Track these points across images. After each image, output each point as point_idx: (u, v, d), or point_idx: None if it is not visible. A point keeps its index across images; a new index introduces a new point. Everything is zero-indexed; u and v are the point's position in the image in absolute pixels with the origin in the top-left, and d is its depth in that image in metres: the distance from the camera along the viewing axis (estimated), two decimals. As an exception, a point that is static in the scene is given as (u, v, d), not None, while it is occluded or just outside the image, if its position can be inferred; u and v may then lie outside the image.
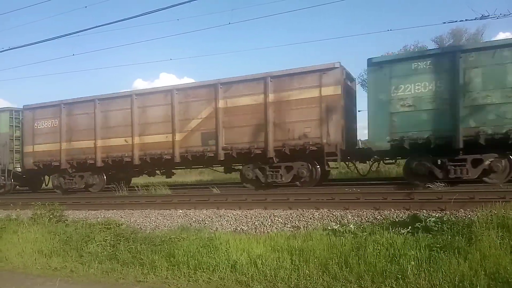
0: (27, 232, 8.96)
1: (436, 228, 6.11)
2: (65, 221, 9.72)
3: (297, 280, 5.43)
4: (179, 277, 6.12)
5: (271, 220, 8.15)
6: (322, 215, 7.96)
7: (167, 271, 6.33)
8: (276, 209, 8.71)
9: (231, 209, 9.18)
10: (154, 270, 6.41)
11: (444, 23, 12.33)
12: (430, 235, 5.94)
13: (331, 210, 8.16)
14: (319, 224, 7.57)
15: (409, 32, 74.95)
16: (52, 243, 8.21)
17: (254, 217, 8.42)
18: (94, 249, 7.53)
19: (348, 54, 69.91)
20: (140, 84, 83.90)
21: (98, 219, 9.50)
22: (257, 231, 7.88)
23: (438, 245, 5.48)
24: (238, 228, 8.13)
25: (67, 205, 11.04)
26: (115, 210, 10.64)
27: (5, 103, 78.95)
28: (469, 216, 6.73)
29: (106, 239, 7.76)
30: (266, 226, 7.97)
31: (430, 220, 6.31)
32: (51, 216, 9.77)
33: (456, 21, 12.44)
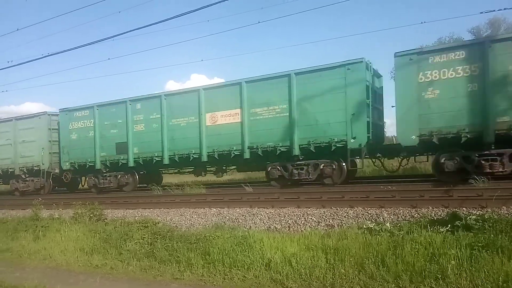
0: (69, 230, 9.36)
1: (477, 226, 5.89)
2: (105, 220, 10.07)
3: (333, 279, 5.39)
4: (214, 275, 6.21)
5: (305, 218, 8.12)
6: (356, 214, 7.84)
7: (202, 268, 6.45)
8: (309, 208, 8.66)
9: (264, 208, 9.21)
10: (190, 268, 6.55)
11: (481, 13, 11.86)
12: (471, 234, 5.74)
13: (366, 208, 8.03)
14: (353, 222, 7.46)
15: (444, 24, 72.34)
16: (92, 241, 8.52)
17: (287, 216, 8.40)
18: (133, 247, 7.76)
19: (380, 49, 68.43)
20: (172, 86, 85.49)
21: (136, 218, 9.77)
22: (291, 229, 7.86)
23: (479, 244, 5.29)
24: (272, 227, 8.14)
25: (105, 204, 11.43)
26: (151, 209, 10.90)
27: (45, 108, 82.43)
28: (512, 213, 6.45)
29: (143, 237, 7.98)
30: (300, 225, 7.94)
31: (470, 218, 6.10)
32: (91, 215, 10.13)
33: (494, 11, 11.96)
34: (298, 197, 9.52)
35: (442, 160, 10.02)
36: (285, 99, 12.09)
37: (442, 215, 6.90)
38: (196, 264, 6.57)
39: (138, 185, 15.83)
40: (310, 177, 11.71)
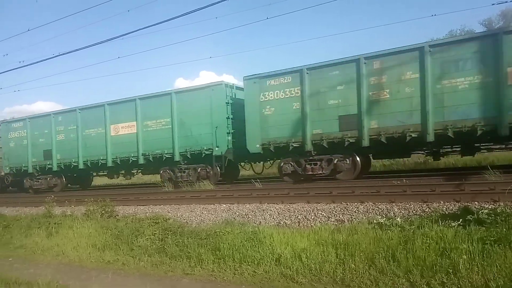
0: (81, 227, 9.49)
1: (489, 221, 5.81)
2: (116, 216, 10.17)
3: (343, 274, 5.38)
4: (225, 270, 6.24)
5: (314, 214, 8.10)
6: (367, 209, 7.80)
7: (213, 264, 6.48)
8: (319, 203, 8.65)
9: (274, 203, 9.22)
10: (200, 263, 6.59)
11: (493, 4, 11.59)
12: (483, 228, 5.67)
13: (376, 203, 7.98)
14: (364, 217, 7.43)
15: (456, 16, 71.24)
16: (104, 238, 8.62)
17: (297, 211, 8.40)
18: (144, 243, 7.83)
19: (390, 45, 67.65)
20: (181, 83, 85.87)
21: (147, 214, 9.86)
22: (301, 225, 7.86)
23: (492, 238, 5.22)
24: (281, 222, 8.15)
25: (116, 201, 11.55)
26: (162, 205, 10.98)
27: (58, 106, 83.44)
28: (526, 207, 6.34)
29: (154, 233, 8.05)
30: (310, 220, 7.93)
31: (482, 212, 6.02)
32: (102, 212, 10.25)
33: (506, 2, 11.75)
34: (308, 193, 9.50)
35: (281, 164, 12.60)
36: (168, 114, 14.57)
37: (453, 210, 6.83)
38: (206, 260, 6.61)
39: (67, 186, 18.96)
40: (190, 178, 14.09)
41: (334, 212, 7.99)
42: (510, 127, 9.36)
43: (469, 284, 4.52)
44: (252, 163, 15.34)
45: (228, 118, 13.79)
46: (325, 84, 11.72)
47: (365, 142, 11.11)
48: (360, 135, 11.20)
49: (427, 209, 7.19)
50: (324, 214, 8.01)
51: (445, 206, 7.12)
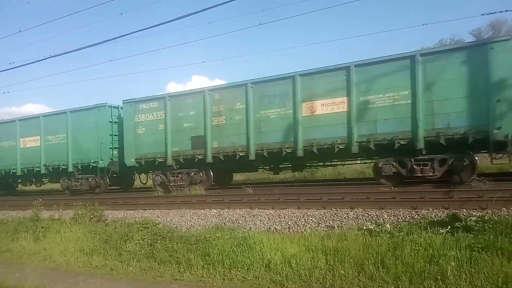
0: (69, 231, 9.37)
1: (477, 228, 5.88)
2: (105, 221, 10.07)
3: (332, 280, 5.39)
4: (214, 276, 6.20)
5: (305, 219, 8.11)
6: (357, 215, 7.84)
7: (202, 269, 6.44)
8: (309, 209, 8.66)
9: (264, 209, 9.21)
10: (190, 269, 6.54)
11: (483, 14, 11.85)
12: (471, 235, 5.73)
13: (366, 209, 8.02)
14: (353, 223, 7.45)
15: (445, 26, 72.23)
16: (93, 242, 8.53)
17: (287, 217, 8.40)
18: (133, 248, 7.76)
19: (379, 53, 68.40)
20: (173, 87, 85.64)
21: (136, 219, 9.76)
22: (291, 230, 7.86)
23: (479, 245, 5.27)
24: (272, 228, 8.14)
25: (106, 205, 11.45)
26: (152, 210, 10.91)
27: (47, 109, 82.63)
28: (513, 215, 6.43)
29: (144, 238, 7.98)
30: (300, 226, 7.94)
31: (470, 220, 6.09)
32: (91, 216, 10.14)
33: (495, 12, 12.01)
34: (298, 198, 9.52)
35: (153, 176, 14.86)
36: (64, 130, 16.85)
37: (442, 217, 6.89)
38: (196, 265, 6.56)
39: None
40: (83, 187, 16.36)
41: (324, 218, 8.00)
42: (304, 150, 12.04)
43: (457, 291, 4.56)
44: (139, 175, 17.51)
45: (111, 135, 16.17)
46: (181, 110, 14.23)
47: (209, 159, 13.60)
48: (205, 153, 13.60)
49: (416, 216, 7.25)
50: (314, 220, 8.02)
51: (433, 213, 7.19)
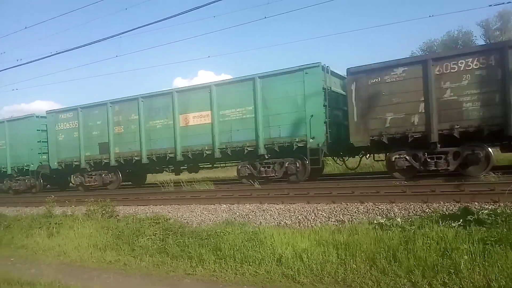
0: (82, 227, 9.49)
1: (489, 221, 5.85)
2: (117, 217, 10.18)
3: (344, 274, 5.41)
4: (226, 270, 6.26)
5: (315, 214, 8.13)
6: (367, 209, 7.83)
7: (214, 264, 6.50)
8: (319, 203, 8.67)
9: (274, 204, 9.23)
10: (202, 263, 6.61)
11: (491, 5, 11.68)
12: (484, 228, 5.70)
13: (377, 203, 8.00)
14: (364, 218, 7.45)
15: (453, 17, 71.31)
16: (105, 238, 8.63)
17: (297, 211, 8.42)
18: (145, 243, 7.84)
19: (386, 45, 67.78)
20: (179, 82, 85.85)
21: (147, 214, 9.86)
22: (301, 225, 7.88)
23: (492, 239, 5.25)
24: (282, 222, 8.17)
25: (117, 201, 11.57)
26: (162, 205, 10.99)
27: (56, 105, 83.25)
28: (525, 208, 6.37)
29: (155, 234, 8.06)
30: (310, 220, 7.96)
31: (482, 213, 6.06)
32: (103, 212, 10.25)
33: (503, 3, 11.81)
34: (308, 193, 9.53)
35: (73, 177, 17.30)
36: (3, 137, 18.52)
37: (453, 210, 6.86)
38: (207, 260, 6.63)
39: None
40: (21, 188, 18.34)
41: (334, 212, 8.01)
42: (182, 154, 14.12)
43: (471, 285, 4.55)
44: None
45: (39, 141, 17.97)
46: (91, 120, 16.30)
47: (112, 163, 15.61)
48: (110, 157, 15.58)
49: (427, 209, 7.22)
50: (325, 214, 8.03)
51: (445, 207, 7.15)
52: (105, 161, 15.83)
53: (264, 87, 12.69)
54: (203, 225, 8.60)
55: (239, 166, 13.31)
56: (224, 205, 9.90)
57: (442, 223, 6.17)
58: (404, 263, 5.23)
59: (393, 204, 7.80)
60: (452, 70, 10.18)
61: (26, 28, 28.36)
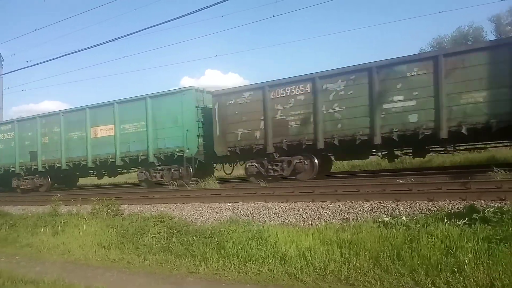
0: (87, 225, 9.53)
1: (495, 219, 5.75)
2: (121, 215, 10.21)
3: (348, 273, 5.36)
4: (229, 269, 6.24)
5: (319, 212, 8.08)
6: (372, 207, 7.77)
7: (218, 262, 6.49)
8: (324, 202, 8.61)
9: (279, 202, 9.20)
10: (205, 262, 6.60)
11: (502, 0, 11.53)
12: (489, 227, 5.62)
13: (382, 202, 7.93)
14: (369, 216, 7.39)
15: (464, 13, 70.54)
16: (110, 236, 8.66)
17: (302, 210, 8.38)
18: (149, 242, 7.86)
19: (395, 42, 67.25)
20: (187, 82, 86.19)
21: (152, 213, 9.88)
22: (305, 223, 7.84)
23: (497, 237, 5.16)
24: (286, 221, 8.13)
25: (122, 200, 11.62)
26: (167, 204, 11.02)
27: (64, 106, 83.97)
28: (532, 206, 6.27)
29: (160, 232, 8.07)
30: (314, 219, 7.92)
31: (488, 211, 5.97)
32: (108, 210, 10.30)
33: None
34: (313, 191, 9.48)
35: (12, 181, 19.68)
36: None
37: (459, 208, 6.78)
38: (211, 258, 6.62)
39: None
40: None
41: (339, 210, 7.96)
42: (92, 162, 16.92)
43: (475, 283, 4.49)
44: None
45: None
46: (24, 131, 19.07)
47: (40, 169, 18.47)
48: (38, 164, 18.46)
49: (433, 207, 7.14)
50: (329, 212, 7.99)
51: (451, 205, 7.07)
52: (34, 167, 18.73)
53: (154, 106, 15.30)
54: (207, 224, 8.60)
55: (138, 172, 16.19)
56: (228, 204, 9.88)
57: (447, 221, 6.08)
58: (407, 261, 5.18)
59: (399, 202, 7.72)
60: (281, 95, 12.68)
61: (36, 30, 28.66)
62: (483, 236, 5.30)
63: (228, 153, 13.72)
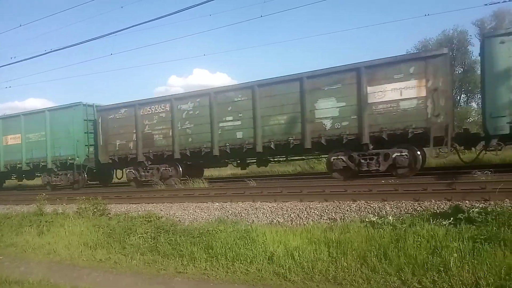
0: (73, 225, 9.40)
1: (480, 219, 5.87)
2: (108, 215, 10.10)
3: (335, 272, 5.40)
4: (217, 268, 6.23)
5: (307, 212, 8.12)
6: (359, 207, 7.84)
7: (206, 262, 6.47)
8: (312, 201, 8.66)
9: (267, 202, 9.22)
10: (193, 262, 6.57)
11: (486, 5, 11.77)
12: (474, 227, 5.72)
13: (369, 202, 8.02)
14: (356, 216, 7.46)
15: (449, 16, 71.54)
16: (96, 236, 8.56)
17: (290, 209, 8.41)
18: (136, 241, 7.79)
19: (383, 43, 68.03)
20: (174, 81, 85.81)
21: (139, 212, 9.80)
22: (293, 223, 7.87)
23: (482, 237, 5.27)
24: (274, 221, 8.15)
25: (109, 199, 11.49)
26: (155, 204, 10.94)
27: (49, 103, 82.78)
28: (516, 206, 6.41)
29: (147, 232, 8.00)
30: (302, 218, 7.96)
31: (473, 211, 6.08)
32: (94, 210, 10.17)
33: (498, 2, 11.85)
34: (301, 191, 9.53)
35: None
36: None
37: (444, 208, 6.89)
38: (199, 258, 6.59)
39: None
40: None
41: (326, 210, 8.01)
42: (4, 167, 18.78)
43: (460, 282, 4.56)
44: None
45: None
46: None
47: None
48: None
49: (419, 207, 7.24)
50: (317, 212, 8.03)
51: (436, 205, 7.18)
52: None
53: (52, 118, 17.16)
54: (195, 223, 8.56)
55: (42, 176, 17.86)
56: (217, 203, 9.86)
57: (433, 221, 6.19)
58: (394, 261, 5.24)
59: (385, 202, 7.81)
60: (149, 112, 14.70)
61: (20, 26, 28.14)
62: (468, 236, 5.40)
63: (110, 161, 15.63)
